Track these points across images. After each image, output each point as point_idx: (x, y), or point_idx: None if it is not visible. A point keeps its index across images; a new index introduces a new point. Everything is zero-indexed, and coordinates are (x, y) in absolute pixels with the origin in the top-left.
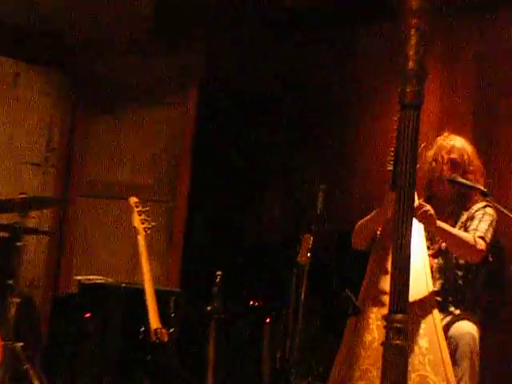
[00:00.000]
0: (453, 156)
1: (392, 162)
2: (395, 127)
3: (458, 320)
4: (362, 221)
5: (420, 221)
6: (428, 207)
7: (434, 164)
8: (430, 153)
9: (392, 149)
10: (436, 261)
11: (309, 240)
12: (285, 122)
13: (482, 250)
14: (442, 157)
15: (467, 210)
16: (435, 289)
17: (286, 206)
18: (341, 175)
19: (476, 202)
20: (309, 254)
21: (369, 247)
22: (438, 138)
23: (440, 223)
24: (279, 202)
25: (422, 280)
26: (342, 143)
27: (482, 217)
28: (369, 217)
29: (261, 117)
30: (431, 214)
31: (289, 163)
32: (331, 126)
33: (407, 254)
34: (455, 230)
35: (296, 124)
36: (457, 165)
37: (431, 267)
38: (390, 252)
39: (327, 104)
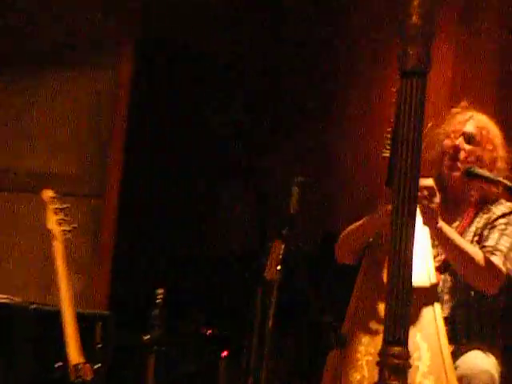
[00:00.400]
0: (468, 129)
1: (389, 147)
2: (394, 100)
3: (470, 350)
4: (349, 228)
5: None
6: (436, 196)
7: (448, 143)
8: (442, 129)
9: (389, 129)
10: (443, 277)
11: (279, 249)
12: (250, 97)
13: (496, 279)
14: (455, 129)
15: (486, 212)
16: (443, 315)
17: (249, 206)
18: (323, 165)
19: (500, 202)
20: (279, 267)
21: (358, 260)
22: (454, 109)
23: (443, 225)
24: (241, 201)
25: (426, 300)
26: (325, 123)
27: (505, 228)
28: (359, 224)
29: (218, 90)
30: (434, 209)
31: (254, 151)
32: (311, 101)
33: (408, 268)
34: (462, 241)
35: (264, 100)
36: (471, 139)
37: (437, 285)
38: (386, 265)
39: (305, 73)
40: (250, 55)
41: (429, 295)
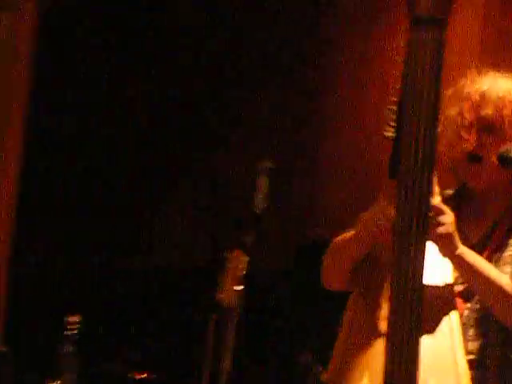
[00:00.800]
0: (483, 113)
1: (393, 125)
2: (399, 59)
3: None
4: (337, 240)
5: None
6: (446, 215)
7: (460, 131)
8: (452, 111)
9: (394, 99)
10: (469, 305)
11: (240, 262)
12: (202, 60)
13: None
14: (463, 116)
15: None
16: (469, 356)
17: (200, 205)
18: (302, 154)
19: None
20: (240, 287)
21: (353, 285)
22: (462, 83)
23: (464, 251)
24: (189, 199)
25: (442, 339)
26: (303, 98)
27: None
28: (350, 233)
29: (157, 47)
30: (448, 233)
31: (206, 134)
32: (285, 68)
33: (418, 293)
34: (488, 268)
35: (221, 66)
36: (490, 129)
37: (460, 316)
38: (387, 291)
39: (279, 31)
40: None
41: (443, 304)
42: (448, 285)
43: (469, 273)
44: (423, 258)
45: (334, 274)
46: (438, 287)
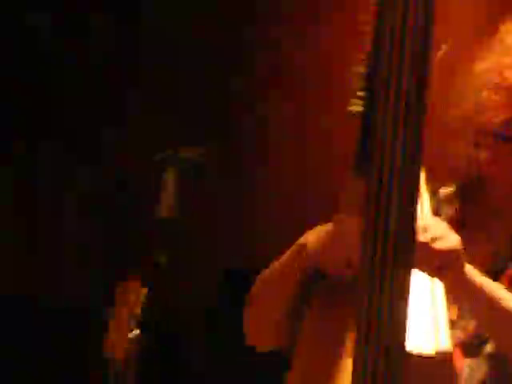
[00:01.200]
0: None
1: (362, 95)
2: (371, 7)
3: None
4: (267, 273)
5: (428, 272)
6: (438, 225)
7: (492, 91)
8: (483, 64)
9: (362, 58)
10: (469, 362)
11: (137, 297)
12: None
13: None
14: (502, 74)
15: None
16: None
17: (82, 211)
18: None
19: None
20: (136, 333)
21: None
22: (504, 30)
23: (474, 272)
24: (67, 203)
25: None
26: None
27: None
28: (285, 258)
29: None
30: (452, 247)
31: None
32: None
33: (396, 371)
34: (508, 295)
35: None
36: None
37: (459, 374)
38: (348, 346)
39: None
40: None
41: (437, 377)
42: (443, 353)
43: (477, 301)
44: (405, 307)
45: (262, 327)
46: (428, 357)
